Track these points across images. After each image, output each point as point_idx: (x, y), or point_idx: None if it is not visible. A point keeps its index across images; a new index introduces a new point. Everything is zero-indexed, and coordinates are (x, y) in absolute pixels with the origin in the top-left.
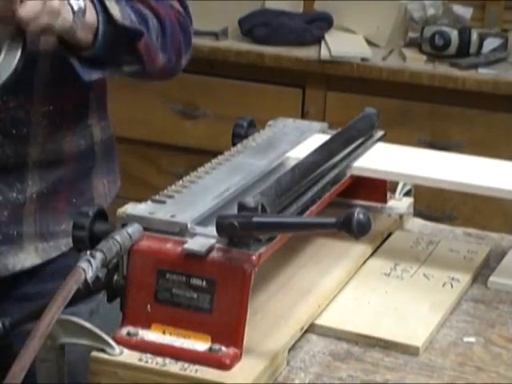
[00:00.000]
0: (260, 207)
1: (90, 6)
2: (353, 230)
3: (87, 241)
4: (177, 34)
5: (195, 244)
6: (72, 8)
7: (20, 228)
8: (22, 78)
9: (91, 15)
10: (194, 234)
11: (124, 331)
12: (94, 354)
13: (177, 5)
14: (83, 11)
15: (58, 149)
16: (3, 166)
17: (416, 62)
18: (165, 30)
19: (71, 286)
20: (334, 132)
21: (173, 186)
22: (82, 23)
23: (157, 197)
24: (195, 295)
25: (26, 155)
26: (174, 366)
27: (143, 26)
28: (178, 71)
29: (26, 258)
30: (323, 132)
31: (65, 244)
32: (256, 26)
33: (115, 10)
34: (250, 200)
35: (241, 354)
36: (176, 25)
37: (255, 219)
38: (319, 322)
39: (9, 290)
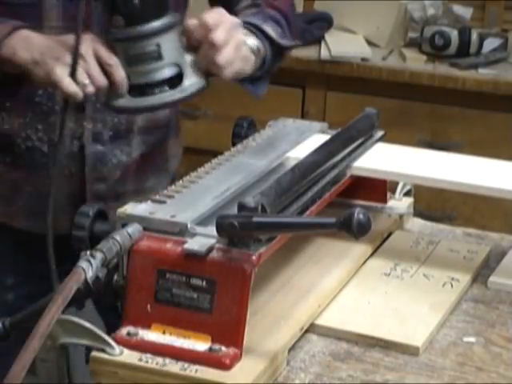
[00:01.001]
0: (260, 207)
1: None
2: (353, 229)
3: (87, 241)
4: (294, 20)
5: (195, 244)
6: (252, 49)
7: (124, 186)
8: None
9: (261, 45)
10: (194, 234)
11: (124, 331)
12: (94, 353)
13: None
14: (258, 48)
15: (154, 117)
16: (118, 132)
17: (416, 61)
18: (290, 24)
19: (71, 286)
20: (334, 132)
21: (173, 186)
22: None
23: (157, 197)
24: (195, 295)
25: (134, 123)
26: (174, 366)
27: (280, 29)
28: None
29: None
30: (323, 132)
31: None
32: None
33: (272, 32)
34: (250, 200)
35: (241, 354)
36: (291, 12)
37: (255, 219)
38: (319, 322)
39: None
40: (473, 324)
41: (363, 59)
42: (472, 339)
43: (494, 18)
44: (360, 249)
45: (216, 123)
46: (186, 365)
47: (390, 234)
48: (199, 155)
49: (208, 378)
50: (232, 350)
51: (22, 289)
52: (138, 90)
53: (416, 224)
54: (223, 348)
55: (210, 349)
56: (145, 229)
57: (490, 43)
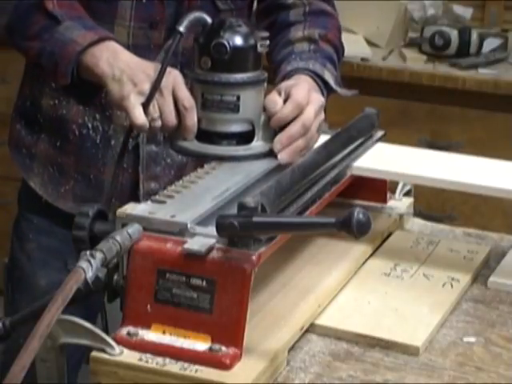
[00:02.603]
0: (260, 207)
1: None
2: (353, 229)
3: (87, 241)
4: (343, 47)
5: (195, 244)
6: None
7: None
8: None
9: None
10: (193, 234)
11: (124, 331)
12: (94, 353)
13: (329, 8)
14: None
15: None
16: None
17: (416, 61)
18: (339, 54)
19: (71, 286)
20: (333, 132)
21: (173, 186)
22: None
23: (157, 197)
24: (195, 295)
25: None
26: (174, 366)
27: (335, 71)
28: None
29: None
30: (323, 132)
31: None
32: None
33: (331, 82)
34: (250, 200)
35: (241, 354)
36: (340, 39)
37: (255, 219)
38: (319, 322)
39: None
40: (473, 324)
41: (363, 59)
42: (472, 339)
43: (494, 18)
44: (360, 249)
45: None
46: (185, 365)
47: (390, 234)
48: None
49: (208, 378)
50: (232, 350)
51: None
52: (205, 135)
53: (416, 224)
54: (223, 348)
55: (210, 349)
56: (145, 229)
57: (490, 43)
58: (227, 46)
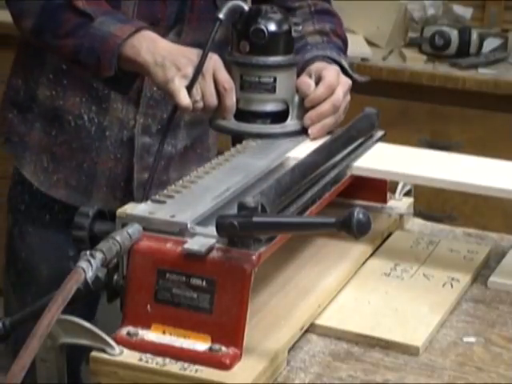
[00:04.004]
0: (260, 207)
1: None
2: (353, 229)
3: (87, 241)
4: (347, 43)
5: (195, 244)
6: None
7: (168, 175)
8: None
9: None
10: (193, 234)
11: (124, 331)
12: (94, 353)
13: (332, 8)
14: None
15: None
16: (163, 126)
17: (416, 61)
18: (346, 49)
19: (71, 286)
20: (334, 132)
21: (173, 186)
22: None
23: (157, 197)
24: (195, 295)
25: (181, 118)
26: (174, 366)
27: (345, 55)
28: None
29: None
30: None
31: None
32: None
33: (347, 67)
34: (250, 200)
35: (241, 354)
36: (345, 35)
37: (255, 219)
38: (319, 321)
39: None
40: (473, 324)
41: (363, 59)
42: (472, 339)
43: (494, 18)
44: (360, 249)
45: None
46: (185, 365)
47: (390, 234)
48: None
49: (208, 378)
50: (232, 350)
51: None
52: (242, 115)
53: (416, 224)
54: (223, 348)
55: (210, 349)
56: (145, 229)
57: (490, 43)
58: (265, 31)
